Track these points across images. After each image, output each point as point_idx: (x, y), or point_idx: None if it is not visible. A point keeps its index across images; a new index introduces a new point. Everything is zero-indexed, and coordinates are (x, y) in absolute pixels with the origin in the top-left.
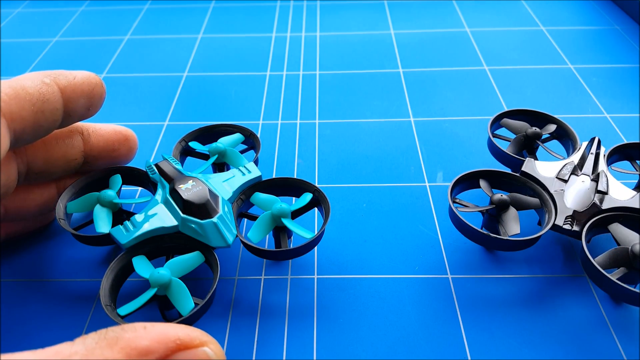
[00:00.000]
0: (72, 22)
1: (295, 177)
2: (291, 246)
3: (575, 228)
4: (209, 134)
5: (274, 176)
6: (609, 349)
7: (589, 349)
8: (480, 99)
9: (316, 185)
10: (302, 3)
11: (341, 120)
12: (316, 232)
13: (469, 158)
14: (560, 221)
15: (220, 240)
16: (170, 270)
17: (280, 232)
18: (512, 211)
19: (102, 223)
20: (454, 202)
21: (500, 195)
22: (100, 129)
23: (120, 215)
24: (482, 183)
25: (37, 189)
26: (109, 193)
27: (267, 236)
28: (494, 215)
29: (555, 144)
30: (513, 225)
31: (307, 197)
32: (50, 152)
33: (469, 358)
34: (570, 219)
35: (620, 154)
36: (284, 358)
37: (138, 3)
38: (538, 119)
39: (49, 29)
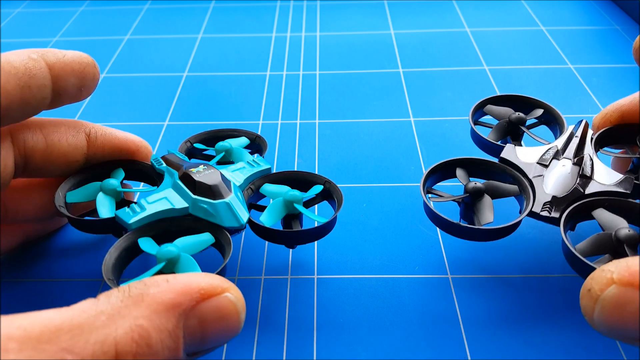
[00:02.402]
0: (72, 22)
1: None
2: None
3: (554, 214)
4: (214, 138)
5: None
6: (609, 349)
7: (589, 349)
8: (480, 99)
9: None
10: (302, 3)
11: (341, 120)
12: (330, 218)
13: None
14: (537, 208)
15: (233, 219)
16: (179, 248)
17: (292, 219)
18: (486, 199)
19: (105, 209)
20: (429, 192)
21: (475, 183)
22: (110, 133)
23: (123, 205)
24: (459, 172)
25: (37, 189)
26: (112, 181)
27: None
28: (470, 204)
29: (543, 130)
30: (487, 214)
31: (318, 188)
32: (51, 148)
33: (469, 358)
34: (548, 206)
35: (612, 138)
36: (284, 358)
37: (138, 3)
38: (524, 104)
39: (49, 29)
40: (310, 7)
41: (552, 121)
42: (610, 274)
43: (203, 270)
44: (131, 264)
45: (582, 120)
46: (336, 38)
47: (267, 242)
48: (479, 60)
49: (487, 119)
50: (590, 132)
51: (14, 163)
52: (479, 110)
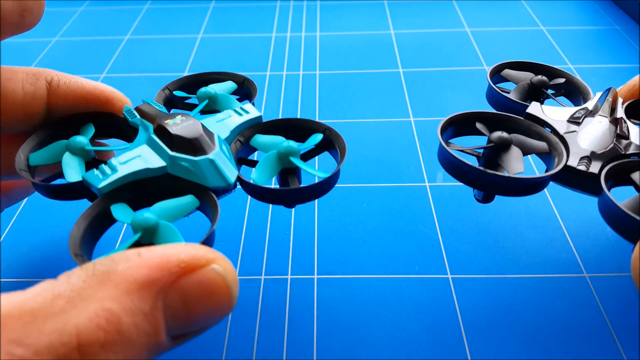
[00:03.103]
0: (72, 22)
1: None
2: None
3: (593, 170)
4: (196, 84)
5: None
6: (609, 349)
7: (589, 349)
8: (481, 99)
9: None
10: (302, 3)
11: (341, 120)
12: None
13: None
14: (574, 162)
15: (219, 178)
16: (157, 215)
17: (288, 175)
18: (514, 150)
19: (73, 171)
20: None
21: (502, 132)
22: (77, 82)
23: (94, 166)
24: (479, 125)
25: (2, 146)
26: (80, 139)
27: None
28: (494, 157)
29: (564, 102)
30: (516, 164)
31: (317, 137)
32: (6, 98)
33: (469, 358)
34: (586, 161)
35: (638, 112)
36: (284, 358)
37: (138, 3)
38: (545, 72)
39: (48, 29)
40: (310, 7)
41: (574, 93)
42: None
43: (187, 241)
44: (108, 237)
45: (610, 88)
46: (336, 38)
47: (266, 242)
48: (479, 60)
49: (503, 85)
50: (620, 99)
51: None
52: (496, 75)
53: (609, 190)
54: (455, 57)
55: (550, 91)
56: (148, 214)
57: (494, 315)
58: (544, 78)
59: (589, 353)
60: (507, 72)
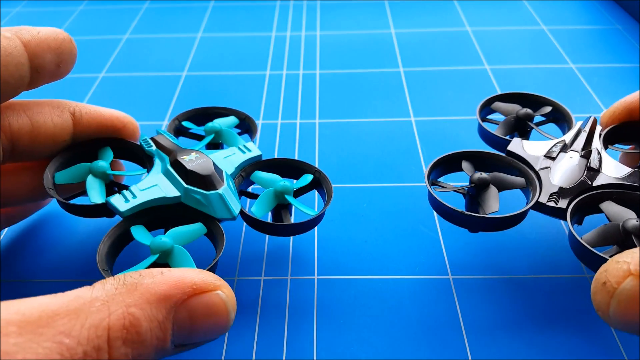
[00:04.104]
0: (70, 21)
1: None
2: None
3: (561, 205)
4: (202, 116)
5: None
6: (611, 349)
7: (590, 349)
8: (481, 99)
9: (317, 167)
10: (302, 2)
11: (341, 120)
12: (319, 211)
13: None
14: (544, 198)
15: (225, 211)
16: (172, 239)
17: (282, 209)
18: (492, 190)
19: (96, 193)
20: (433, 184)
21: (480, 173)
22: (95, 111)
23: (112, 188)
24: (465, 164)
25: (26, 172)
26: (102, 164)
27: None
28: (474, 195)
29: (551, 127)
30: (492, 203)
31: (308, 177)
32: (38, 130)
33: (470, 358)
34: (555, 197)
35: (620, 135)
36: (284, 358)
37: (137, 2)
38: (532, 102)
39: None
40: (310, 6)
41: (560, 119)
42: (627, 265)
43: (194, 259)
44: (122, 252)
45: (590, 117)
46: (336, 37)
47: (266, 242)
48: (480, 59)
49: (493, 117)
50: (599, 128)
51: (1, 148)
52: (486, 108)
53: (580, 221)
54: (456, 56)
55: (538, 118)
56: (165, 239)
57: (495, 316)
58: (529, 111)
59: (589, 353)
60: (497, 104)
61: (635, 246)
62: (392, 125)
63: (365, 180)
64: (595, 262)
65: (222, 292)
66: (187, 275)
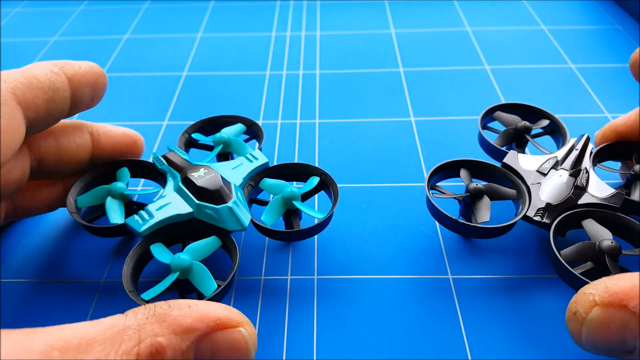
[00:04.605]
0: (71, 21)
1: (301, 162)
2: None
3: (546, 220)
4: (211, 125)
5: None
6: None
7: None
8: (481, 99)
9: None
10: (302, 2)
11: (341, 120)
12: (327, 214)
13: (470, 158)
14: (531, 213)
15: (236, 223)
16: (190, 255)
17: (291, 214)
18: (485, 200)
19: (116, 214)
20: (432, 189)
21: (476, 184)
22: (111, 130)
23: (131, 206)
24: (462, 172)
25: (45, 187)
26: (120, 185)
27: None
28: (469, 203)
29: (547, 139)
30: (484, 214)
31: (315, 180)
32: (63, 150)
33: (470, 358)
34: (542, 212)
35: (611, 153)
36: (284, 358)
37: (137, 2)
38: (532, 113)
39: (47, 29)
40: (310, 6)
41: (556, 132)
42: (592, 297)
43: (210, 270)
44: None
45: (584, 135)
46: (336, 37)
47: (266, 242)
48: (480, 59)
49: (494, 125)
50: (590, 146)
51: (30, 168)
52: (488, 116)
53: (564, 234)
54: (456, 56)
55: (536, 130)
56: (184, 256)
57: (494, 316)
58: (527, 124)
59: (589, 354)
60: (498, 114)
61: (607, 265)
62: (392, 125)
63: (365, 180)
64: (567, 276)
65: (244, 329)
66: (212, 310)
